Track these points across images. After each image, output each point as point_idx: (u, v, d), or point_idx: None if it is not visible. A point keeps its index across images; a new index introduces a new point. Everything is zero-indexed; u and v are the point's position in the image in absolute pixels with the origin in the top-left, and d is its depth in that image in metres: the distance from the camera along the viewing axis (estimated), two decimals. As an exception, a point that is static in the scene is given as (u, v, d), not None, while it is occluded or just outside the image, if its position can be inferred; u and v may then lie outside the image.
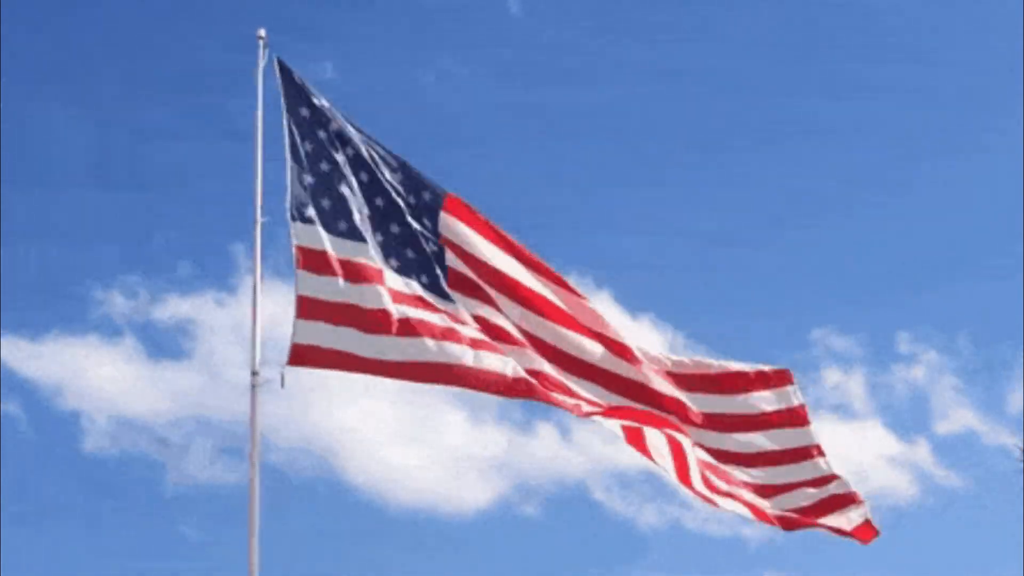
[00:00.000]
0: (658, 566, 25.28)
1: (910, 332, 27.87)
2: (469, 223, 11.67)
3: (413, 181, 11.68)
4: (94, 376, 26.38)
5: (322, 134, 11.55)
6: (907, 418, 27.41)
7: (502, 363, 11.36)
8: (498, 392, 11.48)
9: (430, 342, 11.26)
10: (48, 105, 28.37)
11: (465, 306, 11.54)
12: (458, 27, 29.87)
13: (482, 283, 11.61)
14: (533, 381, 11.36)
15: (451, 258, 11.62)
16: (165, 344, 26.80)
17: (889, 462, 26.35)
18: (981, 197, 29.32)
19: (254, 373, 11.07)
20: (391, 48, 29.34)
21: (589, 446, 26.08)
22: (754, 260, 29.28)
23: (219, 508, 25.08)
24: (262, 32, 11.57)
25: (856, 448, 26.16)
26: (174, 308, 26.82)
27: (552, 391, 11.42)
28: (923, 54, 30.25)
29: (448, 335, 11.32)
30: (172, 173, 28.38)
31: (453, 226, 11.65)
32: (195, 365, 26.68)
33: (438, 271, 11.54)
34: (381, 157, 11.66)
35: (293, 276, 11.21)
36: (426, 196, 11.67)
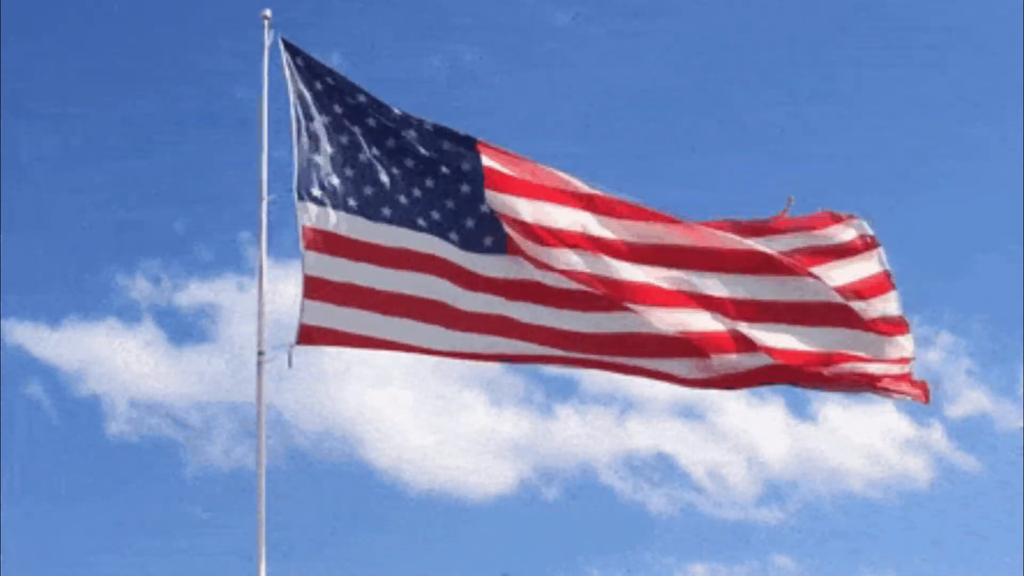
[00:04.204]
0: (669, 550, 25.32)
1: (924, 314, 27.81)
2: (506, 164, 11.39)
3: (440, 133, 11.39)
4: (115, 360, 26.50)
5: (338, 108, 11.31)
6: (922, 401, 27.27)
7: (516, 347, 11.26)
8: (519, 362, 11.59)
9: (441, 329, 11.17)
10: (54, 94, 28.43)
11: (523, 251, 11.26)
12: (466, 12, 29.93)
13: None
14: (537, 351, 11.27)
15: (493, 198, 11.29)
16: (186, 328, 26.88)
17: (904, 446, 26.33)
18: (997, 179, 29.26)
19: (260, 353, 11.11)
20: (399, 34, 29.38)
21: (604, 428, 26.15)
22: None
23: (238, 490, 25.19)
24: (267, 12, 11.42)
25: (871, 432, 26.20)
26: (195, 293, 26.91)
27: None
28: (939, 40, 30.25)
29: (463, 321, 11.15)
30: (189, 160, 28.47)
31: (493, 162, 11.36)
32: (217, 349, 26.76)
33: (482, 210, 11.27)
34: (407, 120, 11.37)
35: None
36: (456, 142, 11.37)
